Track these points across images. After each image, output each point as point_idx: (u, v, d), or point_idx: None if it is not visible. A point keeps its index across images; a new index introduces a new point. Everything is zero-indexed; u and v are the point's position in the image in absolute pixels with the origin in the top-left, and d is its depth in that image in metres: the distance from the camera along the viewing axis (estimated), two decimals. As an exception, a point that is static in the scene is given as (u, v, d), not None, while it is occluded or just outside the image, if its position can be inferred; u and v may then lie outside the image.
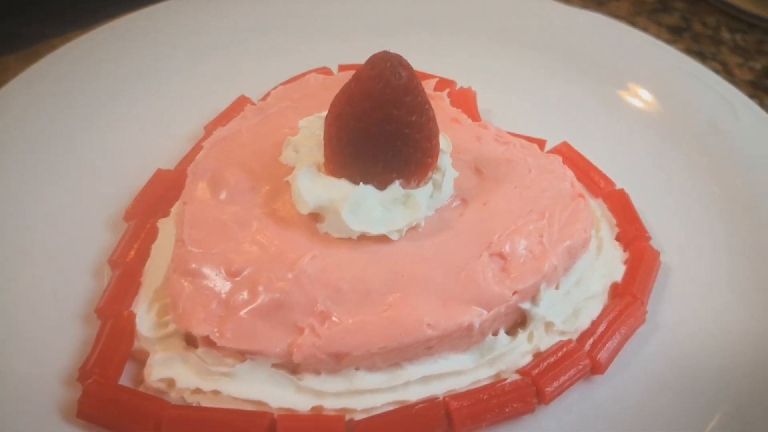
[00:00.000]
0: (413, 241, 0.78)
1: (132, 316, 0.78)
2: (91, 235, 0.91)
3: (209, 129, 1.04)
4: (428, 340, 0.72)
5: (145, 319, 0.77)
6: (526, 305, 0.77)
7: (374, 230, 0.76)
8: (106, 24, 1.19)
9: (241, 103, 1.08)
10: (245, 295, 0.73)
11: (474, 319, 0.73)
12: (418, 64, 1.12)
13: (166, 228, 0.88)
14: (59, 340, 0.78)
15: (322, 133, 0.82)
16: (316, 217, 0.79)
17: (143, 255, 0.85)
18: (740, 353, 0.79)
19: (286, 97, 0.99)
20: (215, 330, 0.71)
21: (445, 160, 0.82)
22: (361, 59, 1.15)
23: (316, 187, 0.78)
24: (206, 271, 0.75)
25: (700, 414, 0.74)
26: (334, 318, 0.72)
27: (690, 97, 1.09)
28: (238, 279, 0.75)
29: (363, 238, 0.77)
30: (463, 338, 0.75)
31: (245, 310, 0.72)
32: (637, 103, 1.12)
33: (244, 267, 0.75)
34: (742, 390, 0.75)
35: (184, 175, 0.94)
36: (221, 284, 0.74)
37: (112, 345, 0.75)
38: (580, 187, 0.89)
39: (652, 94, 1.12)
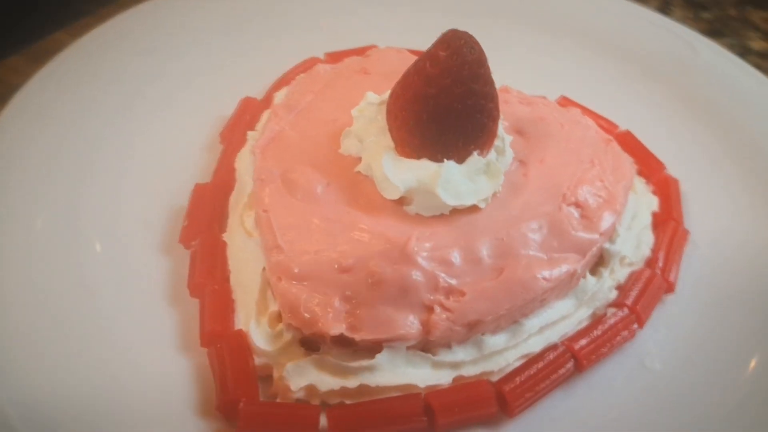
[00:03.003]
0: (497, 206, 0.83)
1: (242, 334, 0.76)
2: (150, 262, 0.86)
3: (226, 135, 1.01)
4: (544, 293, 0.77)
5: (258, 333, 0.76)
6: (606, 245, 0.85)
7: (467, 202, 0.80)
8: (72, 45, 1.10)
9: (249, 104, 1.05)
10: (365, 286, 0.74)
11: (576, 265, 0.80)
12: (400, 40, 1.16)
13: (235, 240, 0.85)
14: (170, 374, 0.75)
15: (381, 119, 0.83)
16: (400, 200, 0.81)
17: (224, 272, 0.82)
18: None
19: (306, 91, 0.99)
20: (350, 325, 0.72)
21: (500, 127, 0.86)
22: (339, 45, 1.18)
23: (401, 171, 0.79)
24: (316, 271, 0.75)
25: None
26: (458, 290, 0.75)
27: (653, 41, 1.22)
28: (351, 272, 0.75)
29: (453, 211, 0.81)
30: (565, 285, 0.81)
31: (372, 301, 0.73)
32: (611, 53, 1.22)
33: (352, 260, 0.75)
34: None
35: (225, 186, 0.93)
36: (336, 281, 0.74)
37: (240, 366, 0.72)
38: (603, 133, 0.98)
39: (623, 44, 1.23)
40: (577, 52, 1.24)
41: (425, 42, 1.15)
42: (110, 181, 0.95)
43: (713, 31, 1.59)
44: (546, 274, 0.77)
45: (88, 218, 0.89)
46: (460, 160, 0.80)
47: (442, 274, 0.75)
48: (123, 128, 1.02)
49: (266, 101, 1.07)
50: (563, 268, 0.79)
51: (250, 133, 0.97)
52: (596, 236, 0.82)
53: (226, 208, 0.91)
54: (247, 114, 1.03)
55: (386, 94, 0.88)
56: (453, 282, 0.75)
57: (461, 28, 1.28)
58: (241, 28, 1.23)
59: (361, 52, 1.14)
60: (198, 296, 0.81)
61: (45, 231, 0.87)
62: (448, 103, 0.76)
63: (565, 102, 1.09)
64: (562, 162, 0.89)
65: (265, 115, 1.02)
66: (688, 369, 0.80)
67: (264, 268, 0.80)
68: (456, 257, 0.77)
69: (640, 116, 1.12)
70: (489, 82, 0.78)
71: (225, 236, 0.87)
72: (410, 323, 0.73)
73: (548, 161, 0.89)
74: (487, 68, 0.78)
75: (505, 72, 1.17)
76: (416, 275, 0.75)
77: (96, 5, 1.37)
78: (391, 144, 0.82)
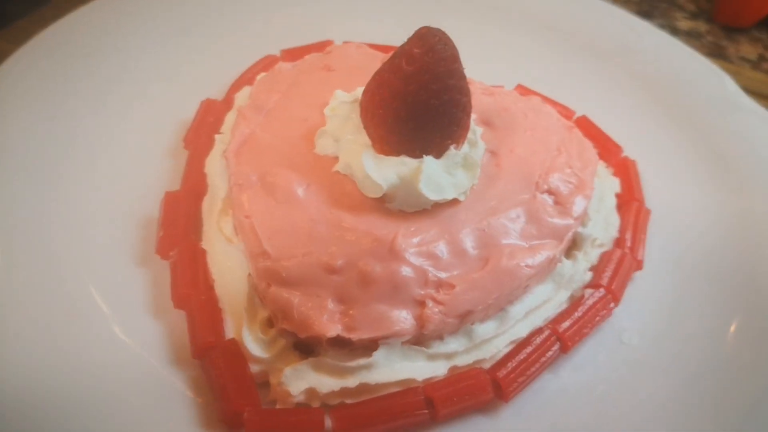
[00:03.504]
0: (474, 198, 0.84)
1: (235, 343, 0.75)
2: (127, 276, 0.84)
3: (190, 140, 0.98)
4: (528, 279, 0.80)
5: (251, 341, 0.75)
6: (579, 229, 0.88)
7: (448, 196, 0.81)
8: (16, 53, 1.05)
9: (210, 106, 1.03)
10: (357, 286, 0.74)
11: (554, 251, 0.82)
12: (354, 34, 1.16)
13: (215, 248, 0.84)
14: (164, 389, 0.73)
15: (355, 117, 0.84)
16: (381, 197, 0.82)
17: (208, 281, 0.81)
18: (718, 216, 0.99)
19: (272, 91, 0.97)
20: (346, 326, 0.72)
21: (471, 119, 0.88)
22: (292, 41, 1.17)
23: (382, 169, 0.80)
24: (305, 275, 0.75)
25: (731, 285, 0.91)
26: (447, 283, 0.76)
27: (600, 28, 1.26)
28: (341, 273, 0.75)
29: (434, 206, 0.82)
30: (545, 270, 0.84)
31: (365, 300, 0.74)
32: (561, 41, 1.26)
33: (341, 261, 0.75)
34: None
35: (197, 193, 0.91)
36: (327, 282, 0.75)
37: (238, 375, 0.72)
38: (564, 120, 1.01)
39: (572, 31, 1.27)
40: (528, 41, 1.28)
41: (380, 35, 1.17)
42: (74, 195, 0.91)
43: (642, 13, 1.66)
44: (529, 261, 0.80)
45: (55, 236, 0.86)
46: (438, 154, 0.81)
47: (431, 269, 0.77)
48: (81, 139, 0.98)
49: (227, 102, 1.05)
50: (543, 255, 0.81)
51: (218, 137, 0.95)
52: (571, 221, 0.85)
53: (199, 215, 0.89)
54: (210, 116, 1.01)
55: (357, 92, 0.88)
56: (442, 275, 0.77)
57: (411, 20, 1.29)
58: (190, 28, 1.19)
59: (318, 48, 1.13)
60: (184, 308, 0.79)
61: (12, 252, 0.83)
62: (425, 99, 0.77)
63: (522, 91, 1.12)
64: (531, 151, 0.91)
65: (229, 117, 1.00)
66: (663, 340, 0.85)
67: (249, 274, 0.79)
68: (442, 251, 0.78)
69: (592, 101, 1.16)
70: (462, 76, 0.79)
71: (203, 244, 0.85)
72: (404, 319, 0.74)
73: (517, 151, 0.91)
74: (460, 63, 0.79)
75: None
76: (406, 271, 0.76)
77: (29, 6, 1.31)
78: (368, 142, 0.82)
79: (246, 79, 1.08)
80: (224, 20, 1.23)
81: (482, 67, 1.15)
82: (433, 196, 0.80)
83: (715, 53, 1.57)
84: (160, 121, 1.05)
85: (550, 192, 0.87)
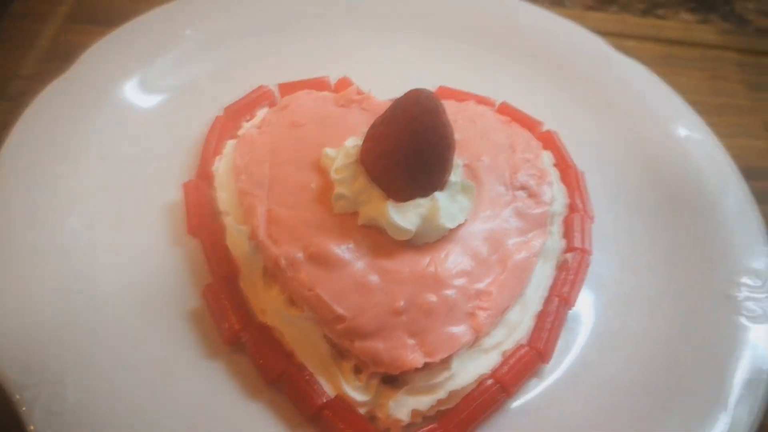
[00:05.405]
0: (473, 213, 1.01)
1: (341, 399, 0.88)
2: (201, 371, 0.91)
3: (195, 226, 1.04)
4: (535, 266, 1.00)
5: (352, 390, 0.88)
6: (551, 209, 1.09)
7: (461, 220, 0.98)
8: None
9: (194, 188, 1.08)
10: (423, 318, 0.90)
11: (544, 237, 1.03)
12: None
13: (276, 321, 0.94)
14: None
15: (360, 173, 0.96)
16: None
17: (288, 352, 0.92)
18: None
19: (259, 161, 1.05)
20: (427, 353, 0.88)
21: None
22: (219, 96, 1.22)
23: (405, 215, 0.94)
24: (380, 323, 0.88)
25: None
26: (485, 292, 0.94)
27: (479, 13, 1.44)
28: (406, 313, 0.90)
29: (449, 231, 0.98)
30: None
31: (432, 327, 0.90)
32: (452, 35, 1.42)
33: (402, 302, 0.90)
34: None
35: (230, 278, 0.99)
36: (398, 324, 0.89)
37: (360, 422, 0.86)
38: (499, 116, 1.20)
39: (461, 23, 1.43)
40: (423, 40, 1.41)
41: (302, 70, 1.26)
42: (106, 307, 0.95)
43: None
44: (533, 251, 1.00)
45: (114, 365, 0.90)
46: (442, 188, 0.97)
47: (469, 284, 0.94)
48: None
49: (204, 178, 1.10)
50: (539, 242, 1.02)
51: (227, 219, 1.02)
52: (547, 208, 1.06)
53: (241, 297, 0.98)
54: (202, 197, 1.07)
55: (347, 149, 1.00)
56: (479, 286, 0.94)
57: (315, 37, 1.38)
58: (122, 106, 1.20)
59: (259, 99, 1.20)
60: (278, 384, 0.90)
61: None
62: (433, 154, 0.92)
63: (445, 92, 1.27)
64: (493, 155, 1.09)
65: (220, 194, 1.06)
66: (631, 270, 1.10)
67: (325, 335, 0.91)
68: (471, 266, 0.96)
69: (492, 85, 1.34)
70: (449, 122, 0.94)
71: (267, 319, 0.94)
72: (465, 331, 0.92)
73: (483, 158, 1.09)
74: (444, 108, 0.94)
75: (378, 78, 1.31)
76: (453, 293, 0.92)
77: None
78: (382, 194, 0.95)
79: (211, 149, 1.13)
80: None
81: (400, 77, 1.29)
82: (451, 225, 0.96)
83: (556, 2, 1.81)
84: (140, 212, 1.08)
85: (522, 188, 1.06)
